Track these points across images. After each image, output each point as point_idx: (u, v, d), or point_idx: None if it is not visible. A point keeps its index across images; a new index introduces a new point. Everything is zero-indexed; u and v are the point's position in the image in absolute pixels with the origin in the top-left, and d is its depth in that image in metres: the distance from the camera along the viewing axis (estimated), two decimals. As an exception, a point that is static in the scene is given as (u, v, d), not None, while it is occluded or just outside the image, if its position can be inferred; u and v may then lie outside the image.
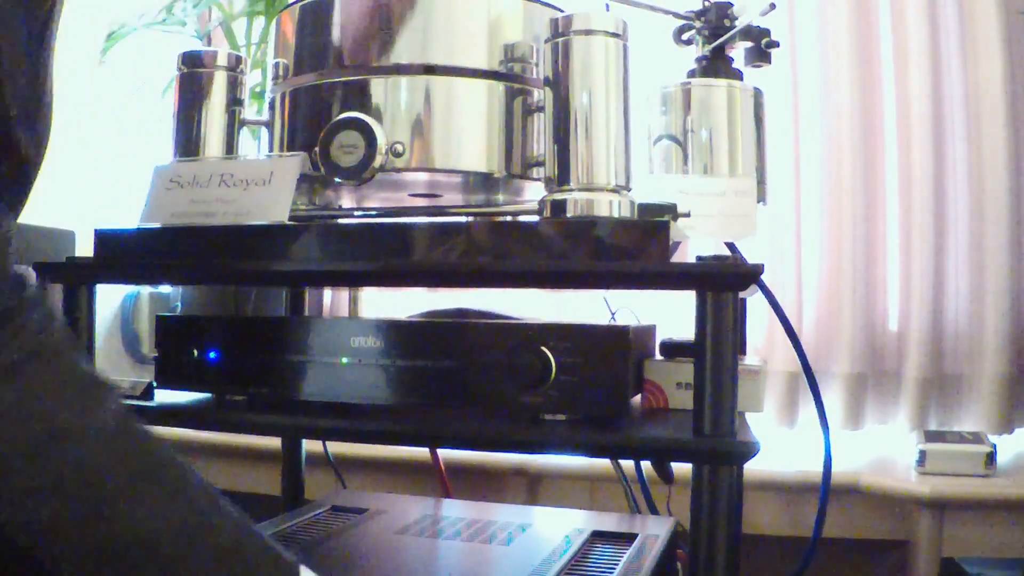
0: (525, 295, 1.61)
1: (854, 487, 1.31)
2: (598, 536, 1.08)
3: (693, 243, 1.17)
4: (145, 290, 2.00)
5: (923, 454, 1.32)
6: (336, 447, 1.45)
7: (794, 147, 1.62)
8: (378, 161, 0.84)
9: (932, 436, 1.38)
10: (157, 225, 0.93)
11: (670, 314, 1.62)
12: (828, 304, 1.61)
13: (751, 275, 0.71)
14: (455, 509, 1.22)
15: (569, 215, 0.80)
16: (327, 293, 1.74)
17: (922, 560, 1.24)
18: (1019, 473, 1.31)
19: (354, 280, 0.88)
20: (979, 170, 1.55)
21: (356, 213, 1.02)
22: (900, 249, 1.60)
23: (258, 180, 0.88)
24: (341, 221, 0.99)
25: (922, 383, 1.54)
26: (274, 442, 1.43)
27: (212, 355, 0.93)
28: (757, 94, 1.11)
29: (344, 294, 1.76)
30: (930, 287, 1.55)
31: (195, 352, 0.93)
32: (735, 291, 0.71)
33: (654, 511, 1.29)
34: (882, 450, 1.53)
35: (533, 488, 1.49)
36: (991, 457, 1.29)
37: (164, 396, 0.96)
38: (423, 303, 1.69)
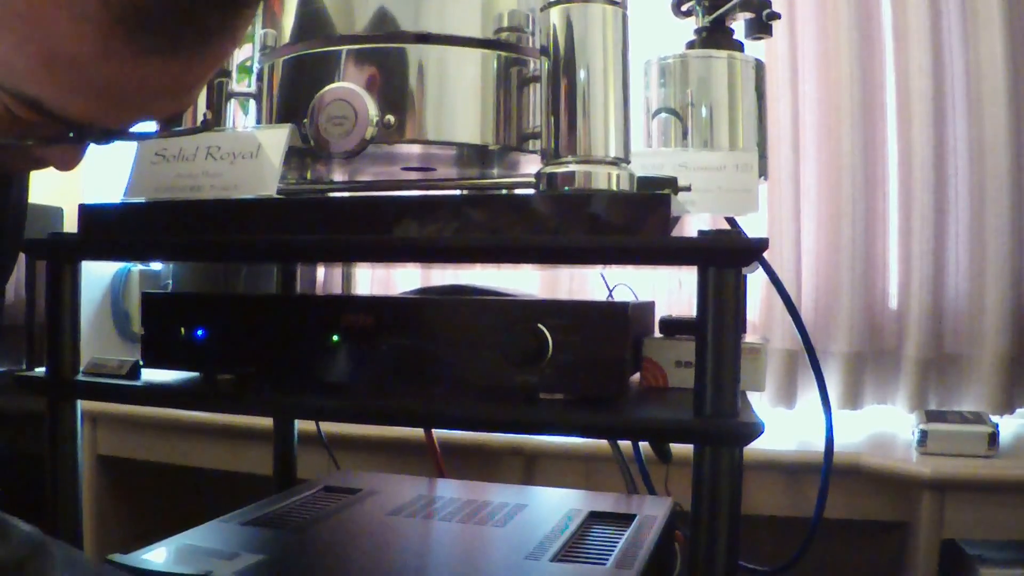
0: (521, 273, 1.59)
1: (854, 468, 1.29)
2: (595, 517, 1.07)
3: (690, 220, 1.14)
4: (135, 268, 1.98)
5: (924, 434, 1.30)
6: (329, 426, 1.43)
7: (793, 123, 1.60)
8: (369, 133, 0.81)
9: (933, 416, 1.36)
10: (142, 200, 0.90)
11: (668, 292, 1.61)
12: (827, 282, 1.60)
13: (755, 250, 0.68)
14: (450, 489, 1.20)
15: (566, 188, 0.77)
16: (320, 271, 1.71)
17: (923, 541, 1.23)
18: (1021, 454, 1.30)
19: (343, 254, 0.86)
20: (980, 148, 1.53)
21: (347, 187, 0.99)
22: (900, 227, 1.59)
23: (245, 153, 0.85)
24: (331, 195, 0.97)
25: (922, 362, 1.53)
26: (266, 421, 1.41)
27: (200, 333, 0.90)
28: (758, 66, 1.08)
29: (337, 272, 1.74)
30: (930, 266, 1.54)
31: (182, 330, 0.91)
32: (738, 267, 0.69)
33: (652, 491, 1.28)
34: (881, 430, 1.52)
35: (529, 468, 1.47)
36: (993, 437, 1.28)
37: (151, 375, 0.94)
38: (417, 281, 1.68)
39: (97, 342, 1.91)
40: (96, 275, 1.95)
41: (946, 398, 1.55)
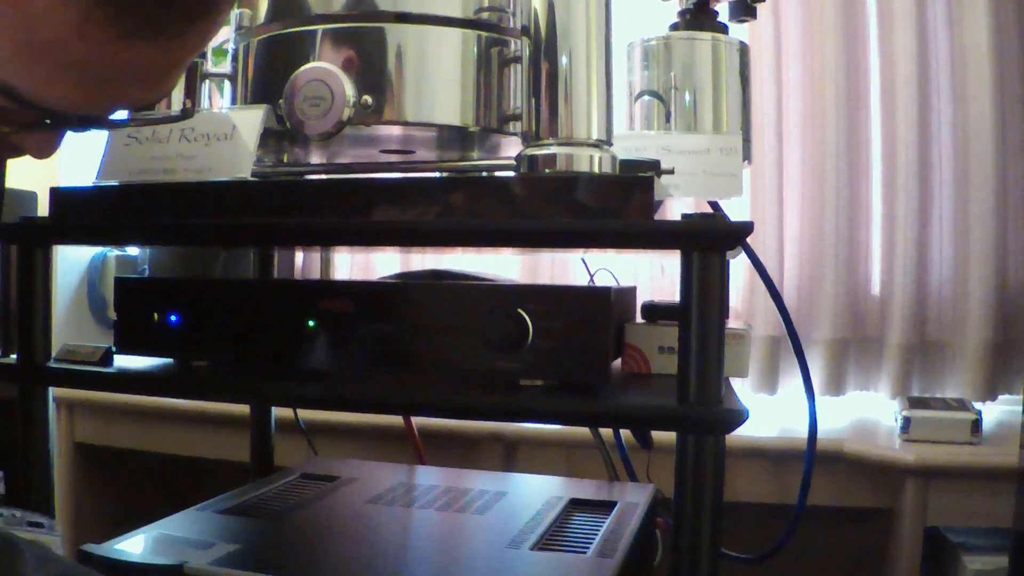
0: (502, 258, 1.58)
1: (837, 454, 1.29)
2: (576, 504, 1.05)
3: (673, 205, 1.13)
4: (112, 253, 1.95)
5: (907, 421, 1.29)
6: (308, 413, 1.41)
7: (777, 108, 1.59)
8: (345, 114, 0.79)
9: (916, 403, 1.36)
10: (115, 183, 0.88)
11: (651, 278, 1.59)
12: (810, 269, 1.59)
13: (739, 234, 0.67)
14: (429, 476, 1.19)
15: (547, 171, 0.76)
16: (299, 256, 1.69)
17: (906, 529, 1.22)
18: (1004, 441, 1.29)
19: (319, 238, 0.84)
20: (965, 134, 1.52)
21: (324, 171, 0.97)
22: (883, 213, 1.58)
23: (220, 135, 0.83)
24: (308, 178, 0.95)
25: (905, 349, 1.52)
26: (243, 408, 1.39)
27: (173, 319, 0.89)
28: (743, 49, 1.07)
29: (316, 257, 1.72)
30: (914, 252, 1.53)
31: (156, 316, 0.89)
32: (722, 251, 0.68)
33: (634, 478, 1.27)
34: (863, 416, 1.51)
35: (510, 454, 1.46)
36: (976, 424, 1.27)
37: (124, 362, 0.92)
38: (398, 266, 1.66)
39: (73, 328, 1.88)
40: (72, 261, 1.93)
41: (929, 385, 1.54)
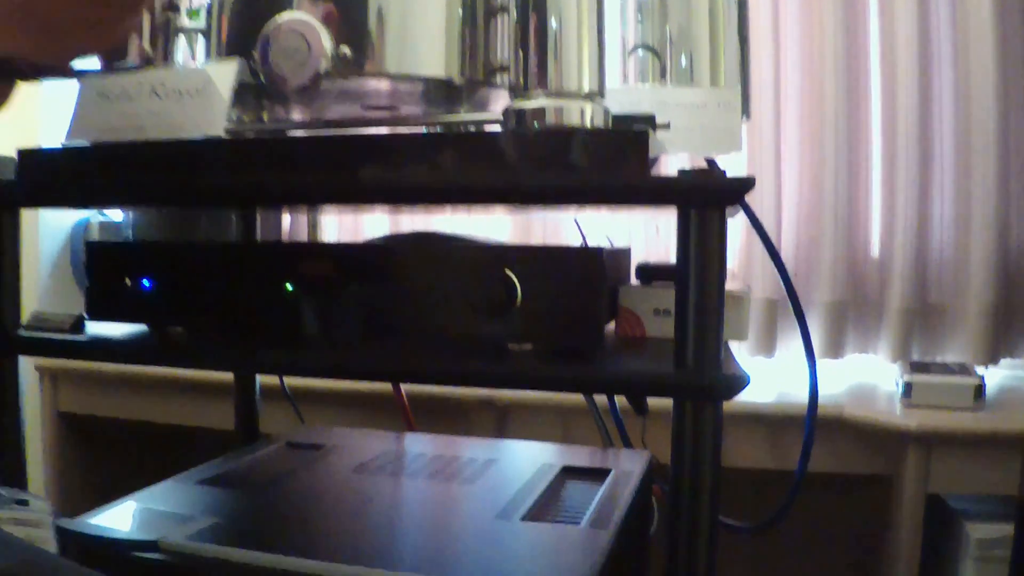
0: (492, 220, 1.54)
1: (837, 420, 1.26)
2: (569, 472, 1.03)
3: (667, 163, 1.09)
4: (96, 219, 1.91)
5: (909, 386, 1.26)
6: (293, 379, 1.38)
7: (775, 67, 1.55)
8: (323, 66, 0.75)
9: (917, 367, 1.32)
10: (85, 143, 0.84)
11: (645, 240, 1.56)
12: (809, 230, 1.56)
13: (740, 189, 0.63)
14: (418, 444, 1.16)
15: (536, 124, 0.71)
16: (285, 219, 1.65)
17: (907, 496, 1.19)
18: (1007, 407, 1.26)
19: (296, 197, 0.80)
20: (967, 95, 1.48)
21: (302, 128, 0.93)
22: (883, 174, 1.54)
23: (192, 90, 0.79)
24: (286, 136, 0.91)
25: (905, 312, 1.49)
26: (227, 375, 1.36)
27: (147, 284, 0.85)
28: (741, 2, 1.02)
29: (303, 220, 1.67)
30: (914, 214, 1.50)
31: (128, 281, 0.85)
32: (722, 208, 0.64)
33: (628, 444, 1.24)
34: (862, 380, 1.48)
35: (501, 420, 1.43)
36: (979, 390, 1.24)
37: (97, 329, 0.89)
38: (387, 229, 1.62)
39: (56, 296, 1.84)
40: (55, 227, 1.89)
41: (929, 349, 1.51)
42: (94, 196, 0.85)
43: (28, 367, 1.69)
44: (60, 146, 0.85)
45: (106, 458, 1.79)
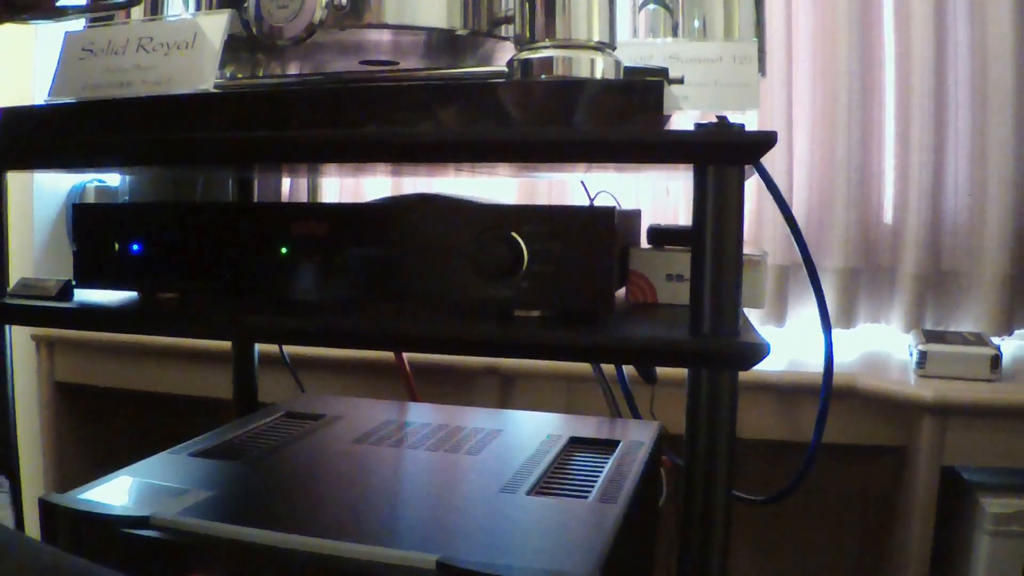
0: (497, 183, 1.50)
1: (850, 390, 1.22)
2: (576, 443, 1.00)
3: (678, 122, 1.05)
4: (92, 183, 1.87)
5: (923, 355, 1.23)
6: (293, 347, 1.35)
7: (787, 25, 1.50)
8: (317, 16, 0.71)
9: (931, 336, 1.29)
10: (70, 100, 0.81)
11: (653, 204, 1.52)
12: (820, 194, 1.52)
13: (761, 145, 0.59)
14: (420, 413, 1.12)
15: (543, 76, 0.67)
16: (285, 182, 1.61)
17: (921, 468, 1.16)
18: (1024, 378, 1.23)
19: (285, 154, 0.75)
20: (983, 53, 1.44)
21: (297, 83, 0.89)
22: (897, 137, 1.49)
23: (180, 43, 0.75)
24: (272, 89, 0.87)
25: (918, 280, 1.45)
26: (226, 343, 1.33)
27: (136, 248, 0.81)
28: (756, -48, 0.98)
29: (302, 185, 1.63)
30: (929, 178, 1.45)
31: (116, 245, 0.81)
32: (741, 165, 0.60)
33: (636, 414, 1.21)
34: (874, 349, 1.45)
35: (506, 389, 1.40)
36: (996, 360, 1.20)
37: (86, 296, 0.85)
38: (388, 192, 1.58)
39: (52, 262, 1.81)
40: (51, 192, 1.85)
41: (943, 317, 1.48)
42: (80, 156, 0.81)
43: (24, 337, 1.66)
44: (43, 104, 0.81)
45: (106, 429, 1.77)
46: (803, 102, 1.52)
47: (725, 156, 0.60)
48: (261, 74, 0.89)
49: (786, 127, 1.50)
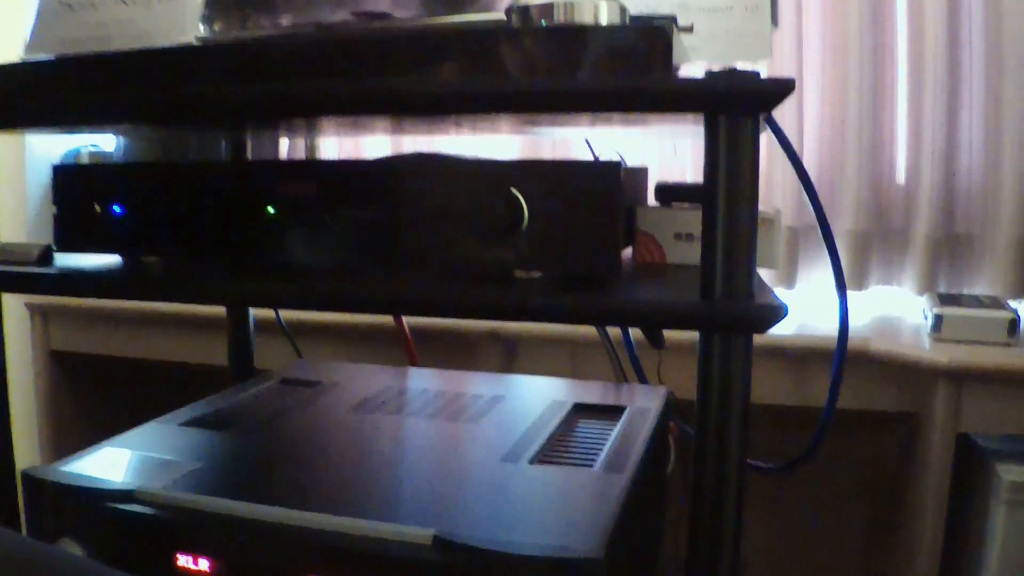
0: (498, 141, 1.46)
1: (863, 354, 1.19)
2: (582, 409, 0.96)
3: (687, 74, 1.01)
4: (86, 148, 1.83)
5: (939, 319, 1.19)
6: (289, 312, 1.31)
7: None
8: (306, -39, 0.67)
9: (946, 300, 1.25)
10: (48, 57, 0.77)
11: (659, 162, 1.48)
12: (831, 155, 1.48)
13: (778, 93, 0.56)
14: (420, 379, 1.09)
15: (543, 22, 0.63)
16: (283, 143, 1.57)
17: (936, 435, 1.13)
18: (1042, 343, 1.19)
19: (274, 108, 0.71)
20: (997, 11, 1.39)
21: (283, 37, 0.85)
22: (910, 96, 1.45)
23: (162, -8, 0.71)
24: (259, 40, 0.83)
25: (931, 242, 1.42)
26: (220, 309, 1.30)
27: (117, 210, 0.78)
28: None
29: (299, 146, 1.59)
30: (942, 138, 1.41)
31: (97, 207, 0.78)
32: (756, 114, 0.56)
33: (643, 379, 1.17)
34: (887, 313, 1.41)
35: (509, 353, 1.36)
36: (1014, 324, 1.17)
37: (67, 260, 0.82)
38: (388, 151, 1.54)
39: (47, 229, 1.77)
40: (43, 158, 1.81)
41: (956, 281, 1.44)
42: (56, 113, 0.77)
43: (17, 305, 1.63)
44: (19, 61, 0.77)
45: (102, 398, 1.74)
46: (814, 61, 1.48)
47: (738, 105, 0.56)
48: (250, 28, 0.85)
49: (796, 87, 1.46)
